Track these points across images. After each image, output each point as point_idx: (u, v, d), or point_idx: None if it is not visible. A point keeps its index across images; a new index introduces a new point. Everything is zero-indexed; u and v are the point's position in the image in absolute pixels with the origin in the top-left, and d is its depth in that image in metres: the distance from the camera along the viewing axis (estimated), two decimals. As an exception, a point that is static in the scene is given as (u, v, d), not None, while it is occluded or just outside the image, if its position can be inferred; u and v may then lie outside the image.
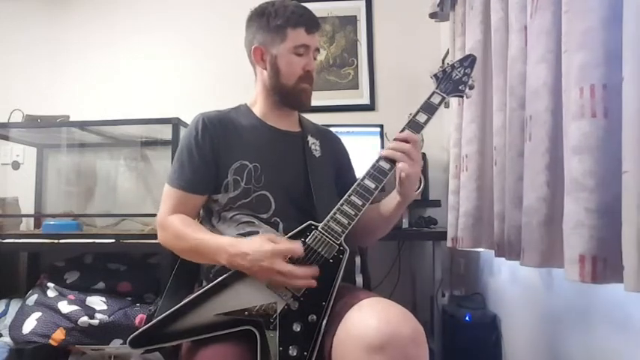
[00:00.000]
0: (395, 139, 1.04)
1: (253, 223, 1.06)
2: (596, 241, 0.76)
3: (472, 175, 1.42)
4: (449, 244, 1.62)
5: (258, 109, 1.20)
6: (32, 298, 1.83)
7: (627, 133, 0.69)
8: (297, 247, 0.93)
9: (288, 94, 1.14)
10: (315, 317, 0.91)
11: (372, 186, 1.01)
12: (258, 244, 0.94)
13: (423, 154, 1.82)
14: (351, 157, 1.34)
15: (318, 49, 1.17)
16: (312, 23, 1.13)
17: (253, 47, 1.15)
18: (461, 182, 1.50)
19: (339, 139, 1.34)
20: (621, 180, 0.72)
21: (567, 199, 0.83)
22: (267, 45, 1.13)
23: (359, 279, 1.18)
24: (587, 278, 0.77)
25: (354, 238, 1.13)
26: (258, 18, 1.15)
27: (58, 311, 1.74)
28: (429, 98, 1.10)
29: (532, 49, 1.04)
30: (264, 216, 1.07)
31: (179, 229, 1.05)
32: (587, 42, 0.79)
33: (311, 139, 1.21)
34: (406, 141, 1.02)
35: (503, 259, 1.23)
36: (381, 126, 2.13)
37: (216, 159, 1.10)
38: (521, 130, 1.15)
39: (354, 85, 2.38)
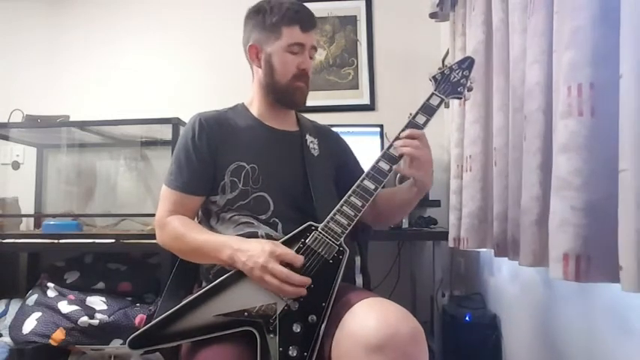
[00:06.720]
0: (398, 138, 1.06)
1: (252, 223, 1.06)
2: (581, 240, 0.76)
3: (476, 176, 1.42)
4: (451, 244, 1.62)
5: (255, 109, 1.19)
6: (32, 298, 1.83)
7: (625, 132, 0.69)
8: (298, 256, 0.93)
9: (282, 93, 1.14)
10: (314, 318, 0.91)
11: (372, 187, 1.02)
12: (260, 244, 0.94)
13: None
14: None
15: (314, 48, 1.16)
16: (307, 21, 1.12)
17: (249, 45, 1.15)
18: (464, 182, 1.50)
19: (339, 136, 1.33)
20: (610, 179, 0.72)
21: (553, 197, 0.83)
22: (262, 43, 1.13)
23: (359, 279, 1.18)
24: (570, 276, 0.77)
25: (370, 218, 1.17)
26: (255, 16, 1.14)
27: (58, 311, 1.74)
28: (428, 100, 1.11)
29: (528, 49, 1.05)
30: (263, 217, 1.07)
31: (178, 229, 1.05)
32: (575, 41, 0.79)
33: (309, 138, 1.20)
34: (412, 137, 1.04)
35: (502, 258, 1.23)
36: (381, 126, 2.13)
37: (214, 160, 1.10)
38: (522, 130, 1.16)
39: (354, 85, 2.38)
